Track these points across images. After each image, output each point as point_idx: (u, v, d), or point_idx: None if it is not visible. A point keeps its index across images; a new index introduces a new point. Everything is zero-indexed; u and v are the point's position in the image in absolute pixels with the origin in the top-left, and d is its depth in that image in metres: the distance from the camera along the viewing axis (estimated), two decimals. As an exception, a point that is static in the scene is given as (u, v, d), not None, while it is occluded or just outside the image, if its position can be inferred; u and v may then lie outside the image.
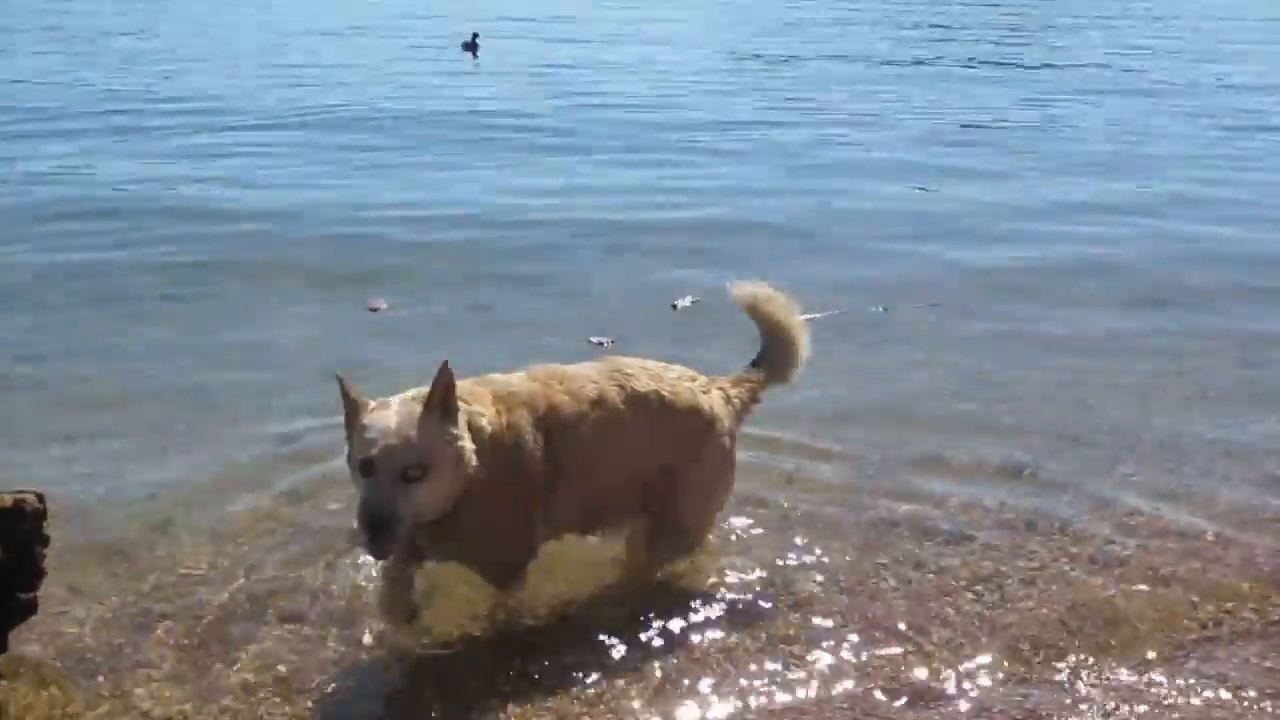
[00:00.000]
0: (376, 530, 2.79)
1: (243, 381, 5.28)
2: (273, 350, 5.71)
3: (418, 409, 2.88)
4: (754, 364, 3.72)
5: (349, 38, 21.30)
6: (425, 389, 2.94)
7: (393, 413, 2.88)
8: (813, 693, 3.04)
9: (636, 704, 2.98)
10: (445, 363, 2.86)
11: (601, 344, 5.55)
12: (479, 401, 3.07)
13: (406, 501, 2.82)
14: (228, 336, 5.92)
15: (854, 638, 3.26)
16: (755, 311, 3.71)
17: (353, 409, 2.93)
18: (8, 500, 2.92)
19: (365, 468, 2.83)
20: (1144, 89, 15.97)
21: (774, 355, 3.71)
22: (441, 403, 2.88)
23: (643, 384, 3.32)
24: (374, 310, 6.33)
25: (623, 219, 8.53)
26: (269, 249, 7.51)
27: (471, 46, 19.86)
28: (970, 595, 3.51)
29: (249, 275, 6.99)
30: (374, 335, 5.99)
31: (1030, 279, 7.13)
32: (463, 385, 3.05)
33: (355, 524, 2.86)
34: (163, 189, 9.33)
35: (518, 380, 3.27)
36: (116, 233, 7.82)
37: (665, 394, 3.33)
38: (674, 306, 6.39)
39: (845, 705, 2.98)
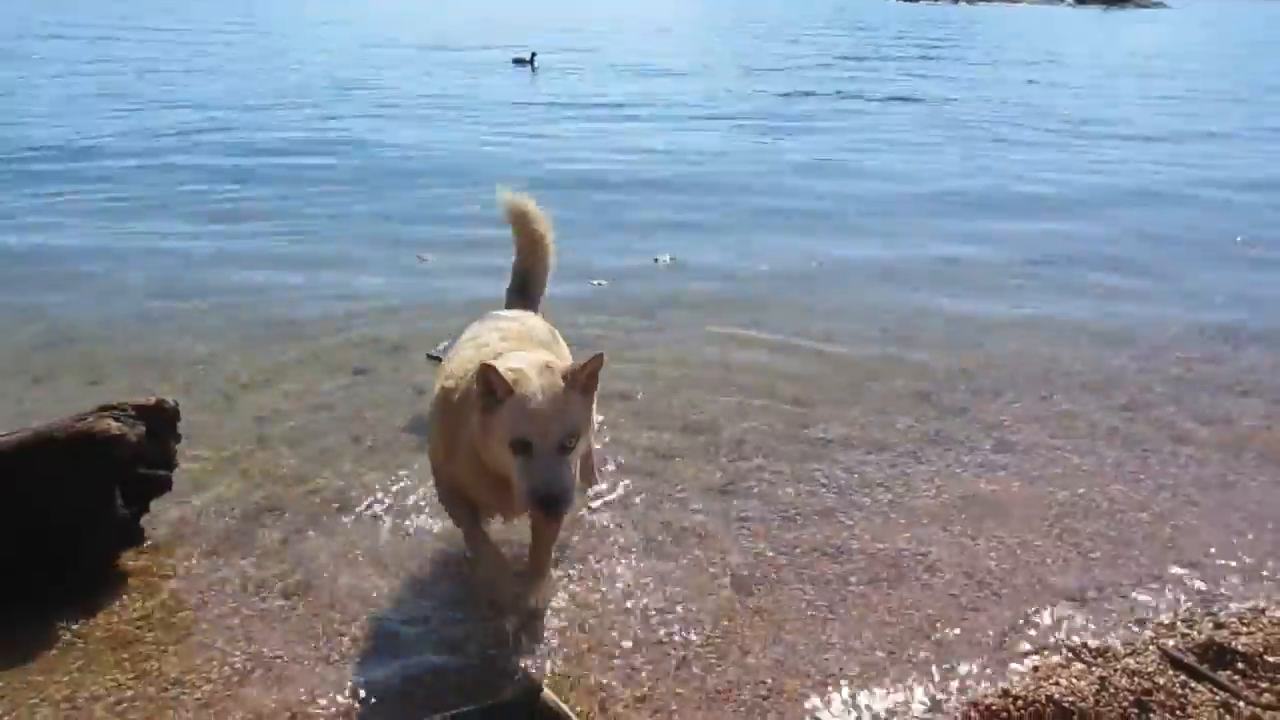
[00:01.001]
0: (559, 504, 2.90)
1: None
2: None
3: (559, 382, 2.99)
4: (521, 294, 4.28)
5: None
6: (526, 353, 3.21)
7: (544, 388, 2.95)
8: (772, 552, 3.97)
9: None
10: (601, 355, 3.05)
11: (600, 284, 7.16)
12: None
13: (569, 471, 2.94)
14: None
15: (798, 519, 4.24)
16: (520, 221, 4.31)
17: (501, 384, 2.94)
18: (150, 399, 3.79)
19: (524, 445, 2.91)
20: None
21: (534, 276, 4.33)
22: (586, 379, 3.03)
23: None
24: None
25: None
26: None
27: (527, 62, 22.82)
28: (883, 488, 4.52)
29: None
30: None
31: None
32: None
33: (521, 493, 2.93)
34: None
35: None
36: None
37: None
38: (655, 260, 7.96)
39: (788, 560, 3.92)
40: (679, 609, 3.60)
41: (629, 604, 3.63)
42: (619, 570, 3.84)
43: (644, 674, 3.27)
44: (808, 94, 18.97)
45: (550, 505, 2.90)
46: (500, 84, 20.05)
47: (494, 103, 17.28)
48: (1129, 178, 11.91)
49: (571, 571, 3.81)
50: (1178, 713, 3.00)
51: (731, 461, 4.69)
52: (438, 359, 5.43)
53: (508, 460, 2.97)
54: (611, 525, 4.14)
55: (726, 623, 3.53)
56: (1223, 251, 8.76)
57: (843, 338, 6.31)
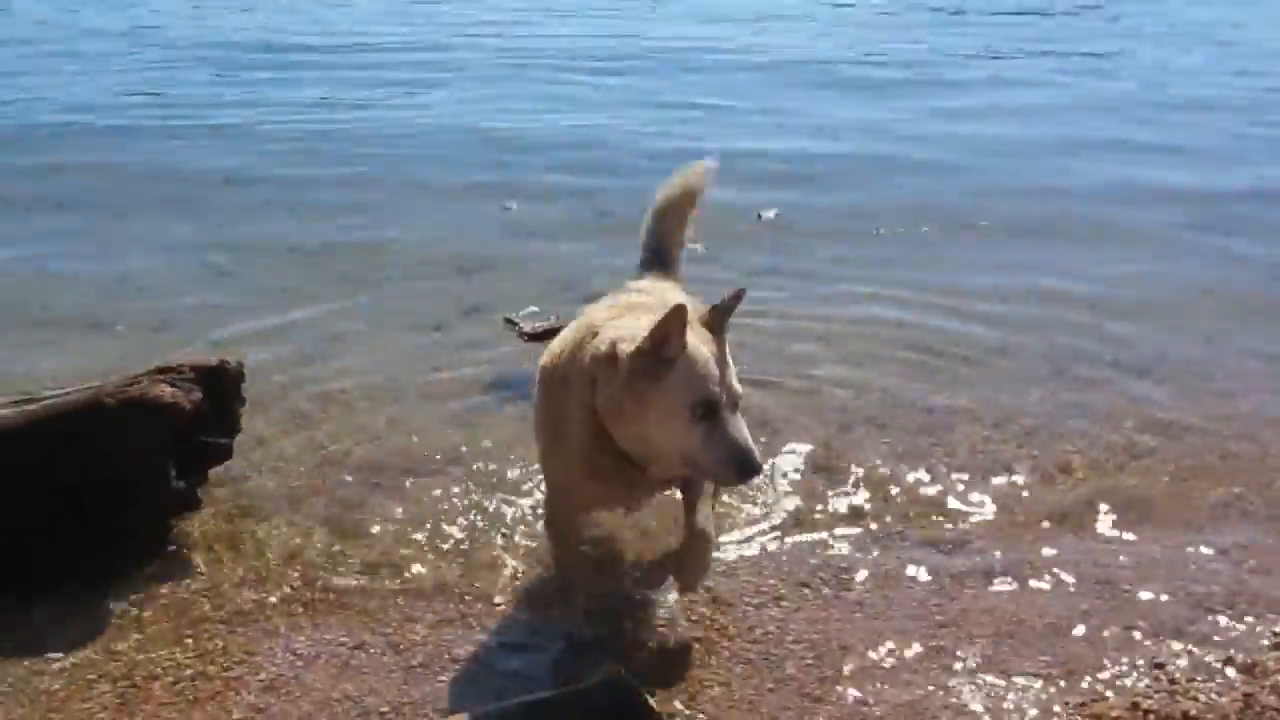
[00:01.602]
0: (758, 467, 2.70)
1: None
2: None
3: (707, 332, 2.73)
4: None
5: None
6: (646, 309, 2.86)
7: (708, 347, 2.69)
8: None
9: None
10: (740, 291, 2.79)
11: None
12: None
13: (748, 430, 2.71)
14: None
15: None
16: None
17: (676, 342, 2.59)
18: (213, 359, 3.60)
19: (710, 407, 2.62)
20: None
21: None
22: (721, 323, 2.79)
23: None
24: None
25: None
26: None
27: None
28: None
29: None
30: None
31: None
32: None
33: (713, 461, 2.65)
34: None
35: None
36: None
37: None
38: (759, 217, 7.13)
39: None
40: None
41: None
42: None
43: (737, 669, 3.05)
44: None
45: (751, 469, 2.66)
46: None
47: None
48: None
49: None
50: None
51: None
52: (515, 324, 5.21)
53: (673, 432, 2.64)
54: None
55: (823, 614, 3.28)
56: None
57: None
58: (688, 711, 2.88)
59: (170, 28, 14.29)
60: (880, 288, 5.94)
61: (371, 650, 3.12)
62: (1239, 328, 5.51)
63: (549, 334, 4.83)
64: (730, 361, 2.74)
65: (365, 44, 13.32)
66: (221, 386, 3.57)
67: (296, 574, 3.47)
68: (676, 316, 2.56)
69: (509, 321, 5.26)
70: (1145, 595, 3.38)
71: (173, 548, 3.56)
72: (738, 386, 2.72)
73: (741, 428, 2.64)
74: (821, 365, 5.03)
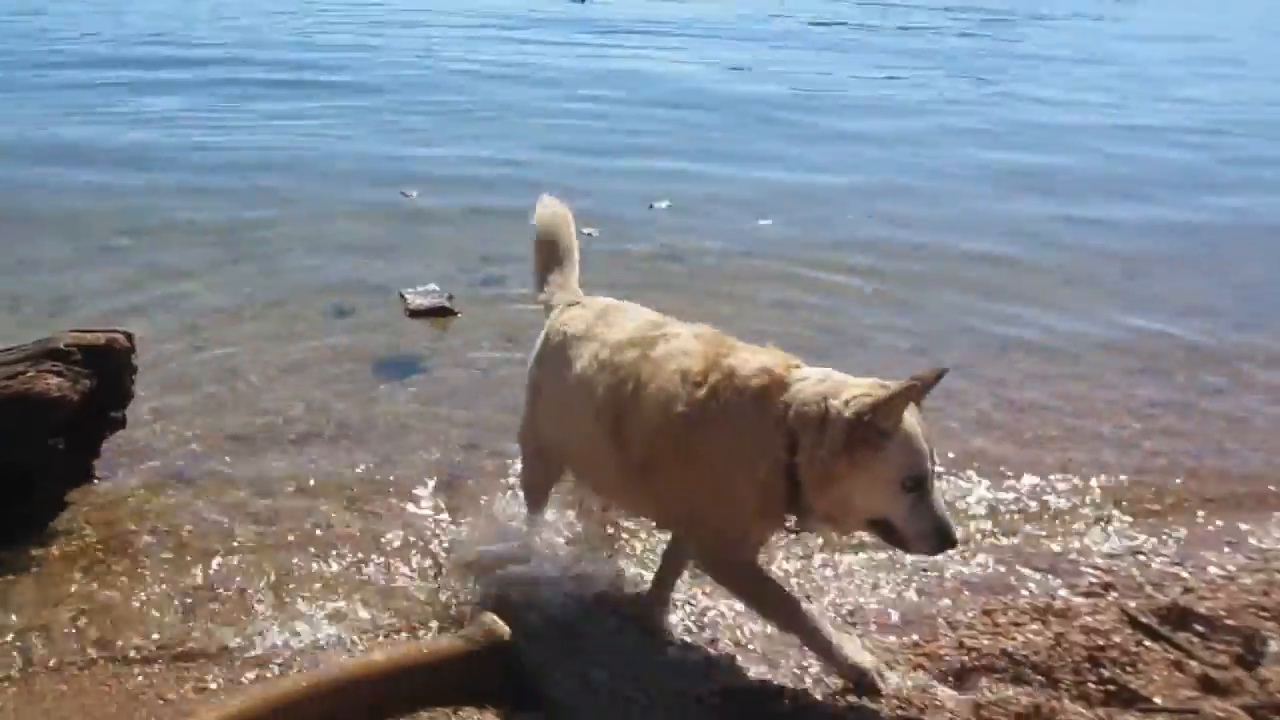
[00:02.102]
0: (953, 541, 2.72)
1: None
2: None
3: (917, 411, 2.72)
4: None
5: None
6: (834, 371, 2.81)
7: (920, 422, 2.70)
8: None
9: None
10: (943, 370, 2.70)
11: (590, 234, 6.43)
12: None
13: None
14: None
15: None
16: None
17: (895, 417, 2.60)
18: (101, 339, 3.71)
19: (918, 483, 2.64)
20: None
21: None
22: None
23: None
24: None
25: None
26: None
27: None
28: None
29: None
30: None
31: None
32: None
33: (916, 534, 2.67)
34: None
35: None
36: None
37: None
38: (650, 207, 7.59)
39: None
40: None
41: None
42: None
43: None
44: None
45: (949, 544, 2.71)
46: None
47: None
48: None
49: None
50: (1129, 669, 3.00)
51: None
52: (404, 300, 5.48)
53: (879, 499, 2.65)
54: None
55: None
56: None
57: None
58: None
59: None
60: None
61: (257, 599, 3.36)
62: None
63: (434, 311, 5.09)
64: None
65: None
66: (111, 363, 3.68)
67: (189, 529, 3.68)
68: (909, 394, 2.60)
69: (402, 298, 5.49)
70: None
71: (69, 510, 3.70)
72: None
73: (941, 503, 2.70)
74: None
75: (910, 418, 2.64)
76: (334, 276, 6.11)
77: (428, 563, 3.57)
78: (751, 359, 2.85)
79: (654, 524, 3.48)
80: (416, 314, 5.36)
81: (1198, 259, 7.30)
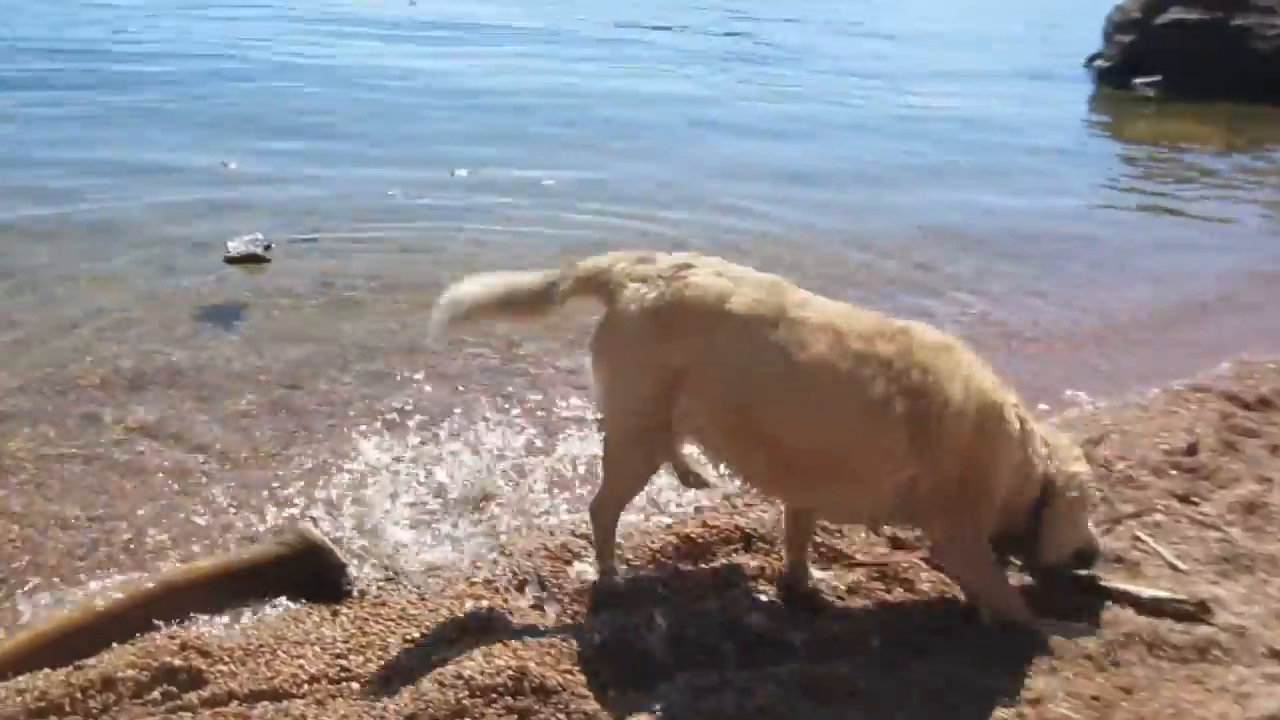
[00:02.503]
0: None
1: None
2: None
3: None
4: None
5: None
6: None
7: None
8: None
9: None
10: None
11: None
12: None
13: None
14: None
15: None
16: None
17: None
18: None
19: None
20: None
21: None
22: None
23: None
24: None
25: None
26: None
27: None
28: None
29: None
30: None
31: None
32: None
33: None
34: None
35: None
36: None
37: None
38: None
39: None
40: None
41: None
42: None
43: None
44: None
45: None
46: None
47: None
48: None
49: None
50: (837, 534, 3.68)
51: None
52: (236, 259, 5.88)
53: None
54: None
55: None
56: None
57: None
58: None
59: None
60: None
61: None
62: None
63: (249, 258, 5.56)
64: None
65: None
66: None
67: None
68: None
69: (226, 247, 5.92)
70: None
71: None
72: None
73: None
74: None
75: None
76: (158, 235, 6.45)
77: (261, 490, 4.01)
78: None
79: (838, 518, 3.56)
80: (233, 261, 5.85)
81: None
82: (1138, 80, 16.46)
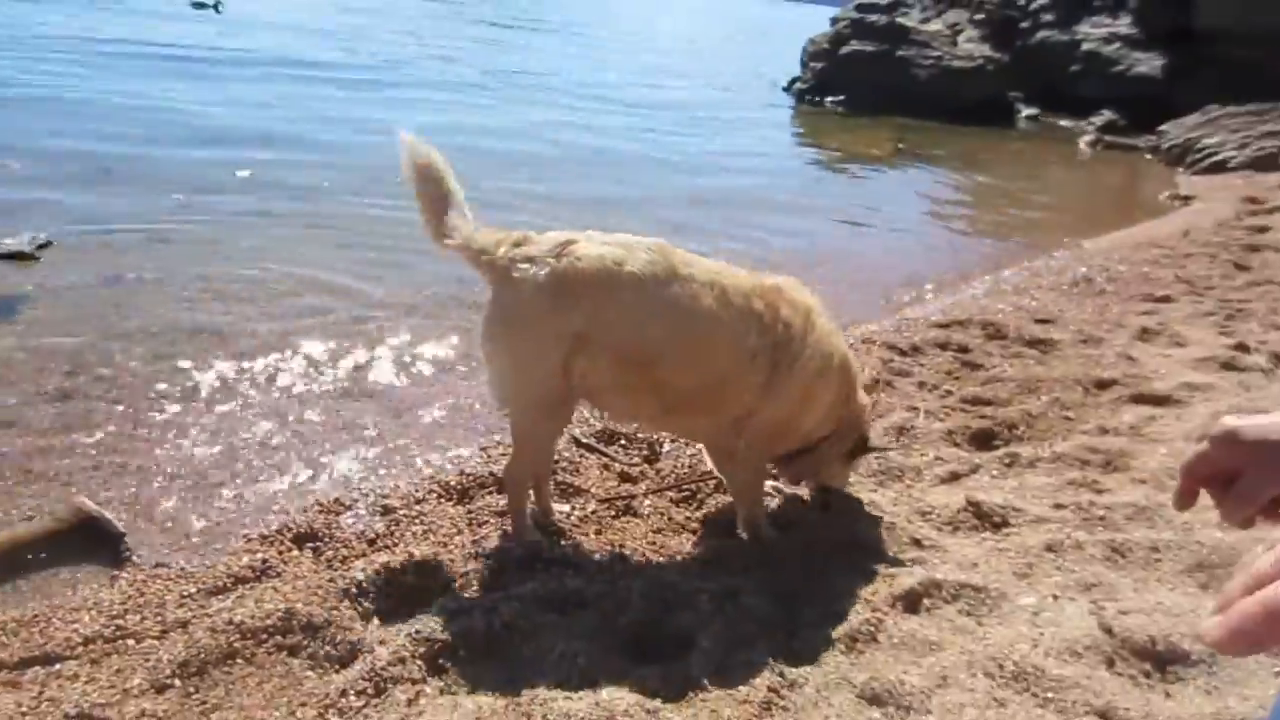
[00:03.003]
0: None
1: None
2: None
3: None
4: None
5: None
6: None
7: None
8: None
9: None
10: None
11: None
12: None
13: None
14: None
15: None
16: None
17: None
18: None
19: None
20: None
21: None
22: None
23: None
24: None
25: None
26: None
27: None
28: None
29: None
30: None
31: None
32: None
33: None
34: None
35: None
36: None
37: None
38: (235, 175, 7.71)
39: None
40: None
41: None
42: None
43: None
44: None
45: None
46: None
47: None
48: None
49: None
50: (574, 473, 3.73)
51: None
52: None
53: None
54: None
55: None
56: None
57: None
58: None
59: None
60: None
61: None
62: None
63: (17, 256, 5.01)
64: None
65: None
66: None
67: None
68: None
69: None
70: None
71: None
72: None
73: None
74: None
75: None
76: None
77: (45, 472, 3.62)
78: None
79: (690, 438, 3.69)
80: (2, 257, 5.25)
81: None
82: (828, 99, 17.57)
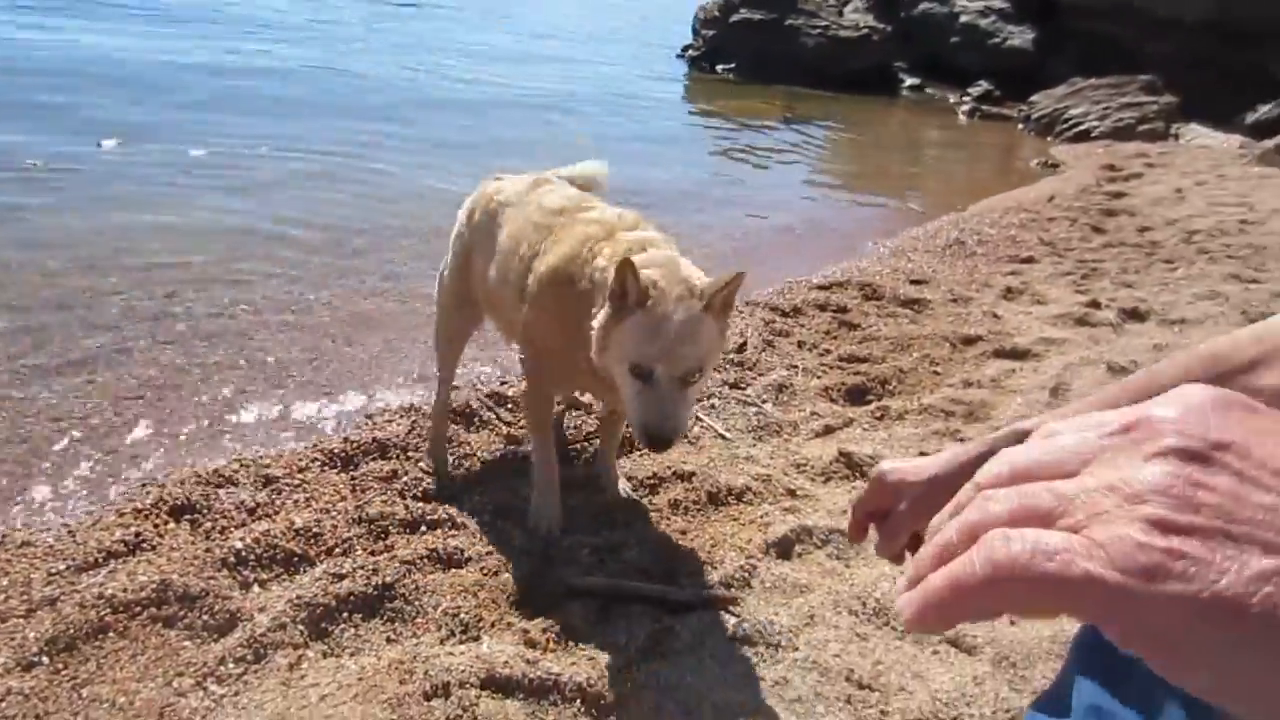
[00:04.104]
0: (669, 445, 2.32)
1: None
2: None
3: (696, 304, 2.25)
4: None
5: None
6: (665, 252, 2.49)
7: (680, 308, 2.24)
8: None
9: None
10: (742, 273, 2.29)
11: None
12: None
13: (687, 407, 2.31)
14: None
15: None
16: None
17: (636, 291, 2.23)
18: None
19: (645, 373, 2.26)
20: None
21: None
22: (723, 303, 2.33)
23: None
24: None
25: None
26: None
27: None
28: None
29: None
30: None
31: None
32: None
33: (631, 422, 2.35)
34: None
35: None
36: None
37: None
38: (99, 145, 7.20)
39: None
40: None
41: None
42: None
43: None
44: None
45: (659, 446, 2.30)
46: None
47: None
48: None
49: None
50: (482, 430, 3.76)
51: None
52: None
53: (619, 375, 2.32)
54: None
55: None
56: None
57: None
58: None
59: None
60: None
61: None
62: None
63: None
64: (712, 338, 2.32)
65: None
66: None
67: None
68: (625, 267, 2.21)
69: None
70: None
71: None
72: (708, 367, 2.36)
73: (671, 403, 2.26)
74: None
75: (665, 309, 2.23)
76: None
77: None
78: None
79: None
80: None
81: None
82: (719, 66, 17.69)
